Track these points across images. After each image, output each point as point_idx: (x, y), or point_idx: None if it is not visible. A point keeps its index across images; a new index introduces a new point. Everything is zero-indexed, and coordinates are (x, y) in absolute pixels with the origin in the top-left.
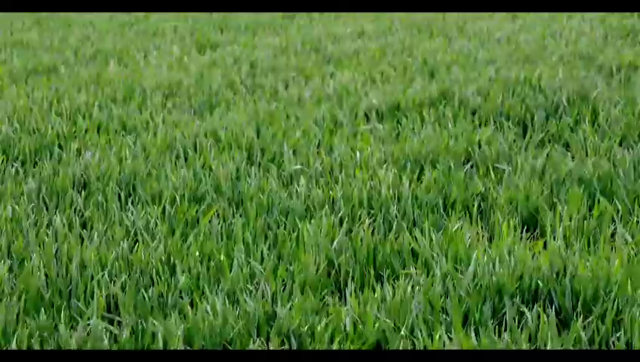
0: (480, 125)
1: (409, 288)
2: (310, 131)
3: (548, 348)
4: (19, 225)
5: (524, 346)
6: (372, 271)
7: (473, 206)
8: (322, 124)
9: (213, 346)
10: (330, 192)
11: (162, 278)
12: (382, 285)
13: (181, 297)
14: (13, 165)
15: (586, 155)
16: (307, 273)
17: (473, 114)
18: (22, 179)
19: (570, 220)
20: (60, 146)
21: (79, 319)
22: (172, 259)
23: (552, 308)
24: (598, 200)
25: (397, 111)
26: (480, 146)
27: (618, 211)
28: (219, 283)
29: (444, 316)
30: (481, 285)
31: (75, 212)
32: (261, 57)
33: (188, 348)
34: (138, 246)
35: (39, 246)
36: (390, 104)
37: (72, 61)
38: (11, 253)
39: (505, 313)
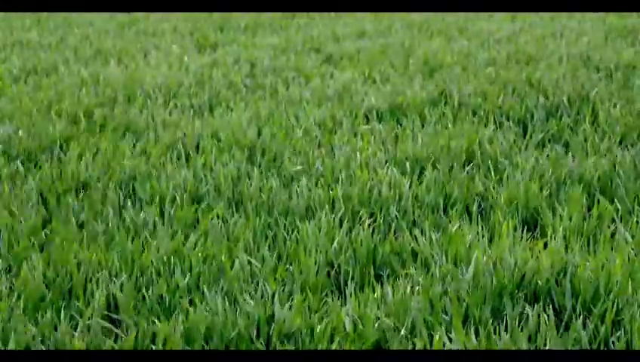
0: (480, 125)
1: (409, 288)
2: (310, 131)
3: (548, 348)
4: (19, 225)
5: (524, 346)
6: (372, 271)
7: (473, 206)
8: (322, 124)
9: (213, 346)
10: (331, 192)
11: (162, 278)
12: (382, 285)
13: (181, 297)
14: (13, 165)
15: (586, 155)
16: (307, 273)
17: (473, 114)
18: (22, 179)
19: (570, 220)
20: (60, 147)
21: (79, 319)
22: (172, 259)
23: (552, 308)
24: (598, 201)
25: (397, 111)
26: (480, 146)
27: (618, 211)
28: (219, 283)
29: (444, 316)
30: (481, 285)
31: (74, 212)
32: (261, 57)
33: (188, 348)
34: (138, 247)
35: (39, 246)
36: (390, 104)
37: (72, 61)
38: (11, 254)
39: (505, 313)
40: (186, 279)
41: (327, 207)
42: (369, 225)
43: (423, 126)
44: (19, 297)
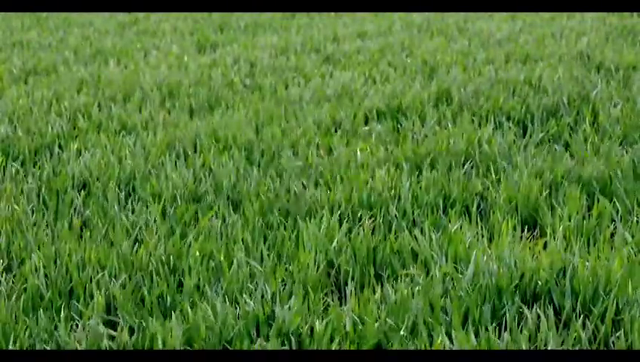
0: (480, 125)
1: (409, 288)
2: (310, 131)
3: (548, 348)
4: (19, 225)
5: (524, 346)
6: (372, 271)
7: (473, 206)
8: (322, 124)
9: (213, 346)
10: (330, 192)
11: (162, 278)
12: (382, 285)
13: (182, 298)
14: (13, 165)
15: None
16: (307, 273)
17: (473, 114)
18: (22, 179)
19: (570, 220)
20: (60, 146)
21: (79, 319)
22: (172, 259)
23: (552, 308)
24: (598, 200)
25: (397, 111)
26: (480, 146)
27: (618, 211)
28: (219, 283)
29: (444, 316)
30: (481, 285)
31: (75, 212)
32: (261, 57)
33: (188, 348)
34: (138, 247)
35: (39, 246)
36: (390, 104)
37: (72, 61)
38: (11, 253)
39: (505, 313)
40: (186, 279)
41: (326, 207)
42: (369, 225)
43: (422, 126)
44: (19, 297)
